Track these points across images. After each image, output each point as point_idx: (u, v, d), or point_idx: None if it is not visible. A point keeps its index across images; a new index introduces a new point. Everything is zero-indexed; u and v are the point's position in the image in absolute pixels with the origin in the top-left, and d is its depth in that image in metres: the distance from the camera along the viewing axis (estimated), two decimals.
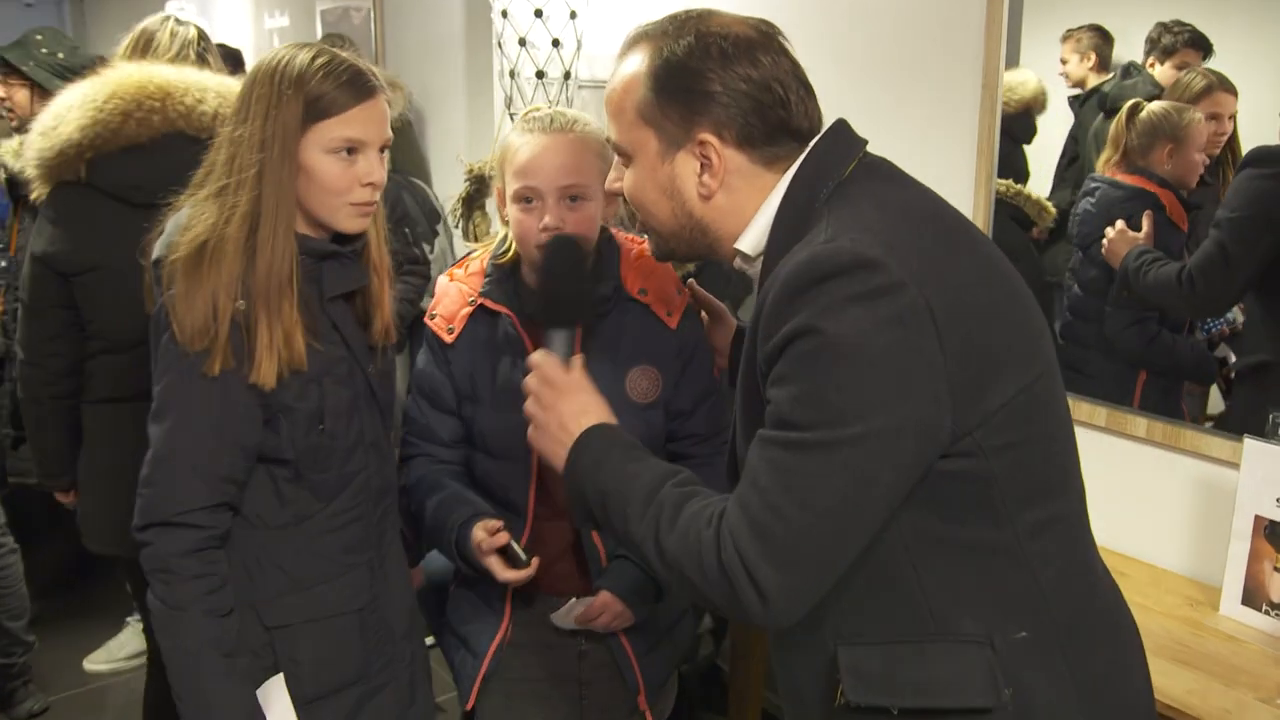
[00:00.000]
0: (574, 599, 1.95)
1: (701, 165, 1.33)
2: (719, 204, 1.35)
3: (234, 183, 1.68)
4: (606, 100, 1.41)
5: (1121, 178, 2.33)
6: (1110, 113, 2.35)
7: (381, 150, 1.76)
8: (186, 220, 1.71)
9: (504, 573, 1.87)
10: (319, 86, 1.67)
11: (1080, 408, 2.35)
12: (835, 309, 1.14)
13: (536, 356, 1.53)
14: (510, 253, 1.99)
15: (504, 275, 1.99)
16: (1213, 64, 2.14)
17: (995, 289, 1.25)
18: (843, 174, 1.29)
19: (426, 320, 2.06)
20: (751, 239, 1.35)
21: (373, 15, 5.36)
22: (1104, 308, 2.36)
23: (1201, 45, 2.14)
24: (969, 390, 1.16)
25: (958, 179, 2.55)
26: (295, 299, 1.68)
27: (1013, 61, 2.48)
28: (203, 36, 2.70)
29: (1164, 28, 2.20)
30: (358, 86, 1.70)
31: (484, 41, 4.21)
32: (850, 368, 1.13)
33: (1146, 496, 2.30)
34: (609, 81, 1.41)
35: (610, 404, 1.73)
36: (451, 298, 2.04)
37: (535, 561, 1.86)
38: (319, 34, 6.14)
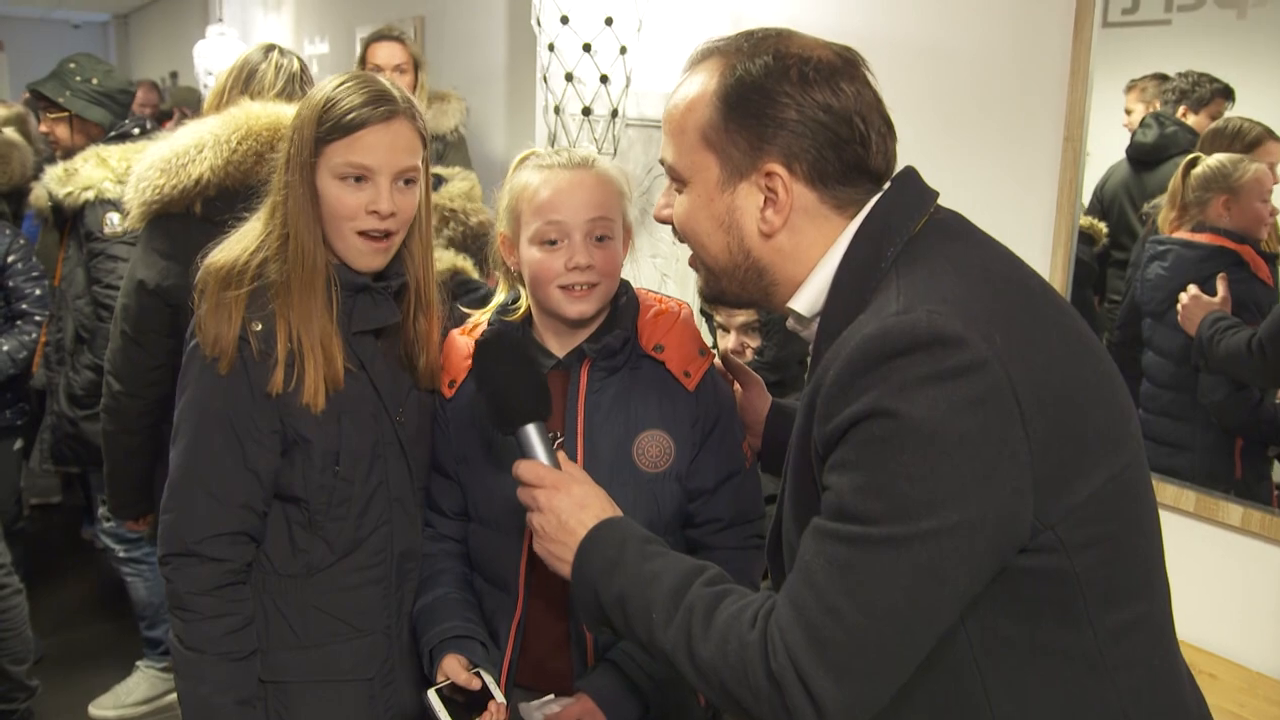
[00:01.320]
0: (551, 695, 1.72)
1: (766, 199, 1.23)
2: (780, 245, 1.25)
3: (272, 204, 1.69)
4: (666, 117, 1.30)
5: (1192, 237, 2.18)
6: (1140, 164, 2.28)
7: (403, 180, 1.68)
8: (231, 238, 1.71)
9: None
10: (334, 107, 1.63)
11: (1166, 490, 2.18)
12: (909, 389, 1.04)
13: (518, 468, 1.44)
14: (521, 310, 1.81)
15: (508, 325, 1.79)
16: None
17: (1083, 365, 1.14)
18: (912, 229, 1.19)
19: None
20: (807, 298, 1.26)
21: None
22: (1193, 375, 2.18)
23: (1228, 93, 2.12)
24: (1054, 481, 1.07)
25: (1034, 239, 2.34)
26: (335, 324, 1.67)
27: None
28: (304, 69, 2.65)
29: (1195, 79, 2.15)
30: (371, 108, 1.63)
31: (528, 75, 4.08)
32: (924, 455, 1.03)
33: (1240, 590, 2.11)
34: (671, 97, 1.30)
35: (616, 472, 1.59)
36: (457, 349, 1.84)
37: (499, 708, 1.64)
38: (358, 62, 6.04)
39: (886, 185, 1.24)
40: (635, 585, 1.25)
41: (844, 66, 1.22)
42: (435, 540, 1.86)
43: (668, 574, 1.24)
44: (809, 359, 1.21)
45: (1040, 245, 2.31)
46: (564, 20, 3.10)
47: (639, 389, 1.73)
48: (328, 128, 1.62)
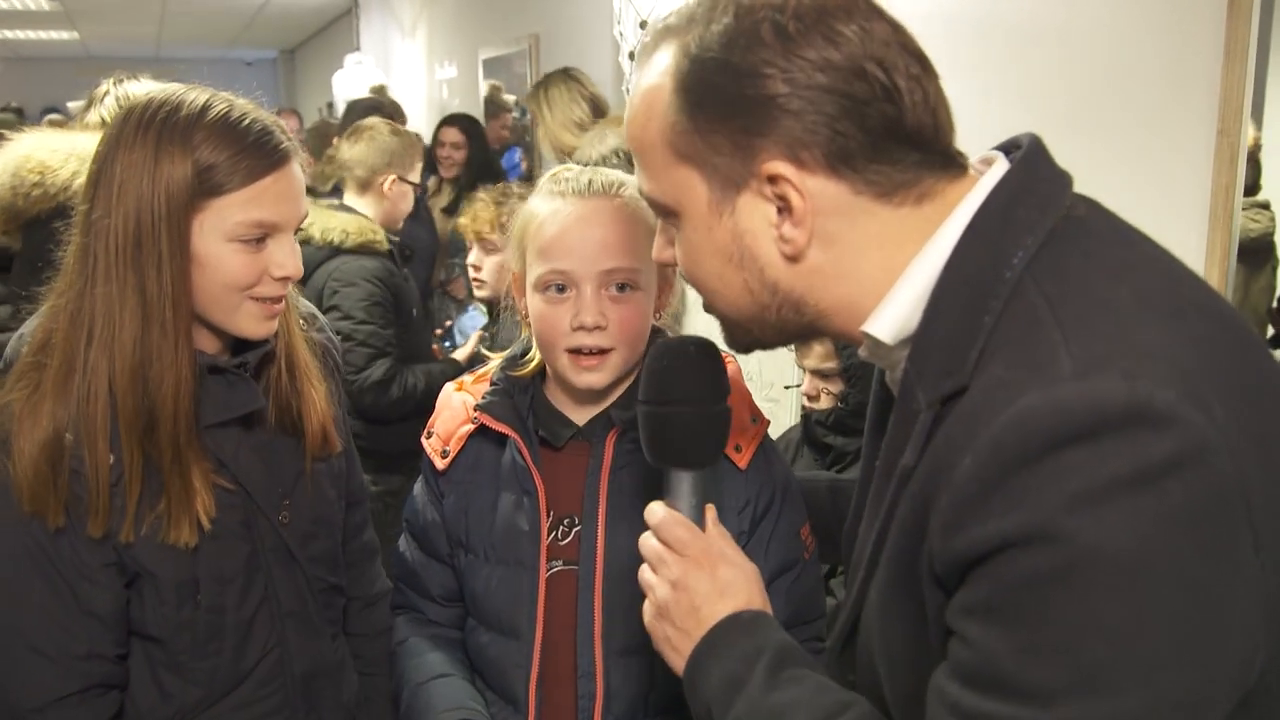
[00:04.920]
0: None
1: (778, 210, 0.93)
2: (815, 265, 0.94)
3: (91, 286, 1.30)
4: (628, 134, 1.03)
5: None
6: None
7: (296, 231, 1.36)
8: (33, 331, 1.37)
9: None
10: (213, 149, 1.27)
11: None
12: (1094, 499, 0.73)
13: (657, 512, 1.15)
14: (533, 363, 1.49)
15: (516, 386, 1.48)
16: None
17: None
18: (1046, 228, 0.87)
19: (422, 440, 1.57)
20: (891, 320, 0.93)
21: (529, 63, 5.17)
22: None
23: None
24: None
25: (1183, 253, 1.89)
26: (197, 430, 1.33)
27: (1255, 108, 1.86)
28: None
29: None
30: (267, 150, 1.30)
31: None
32: (1123, 599, 0.74)
33: None
34: (628, 105, 1.02)
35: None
36: (452, 411, 1.55)
37: None
38: (481, 83, 5.98)
39: (1016, 161, 0.91)
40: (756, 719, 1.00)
41: (836, 1, 0.91)
42: (422, 625, 1.57)
43: (797, 714, 0.98)
44: (898, 398, 0.91)
45: (1192, 262, 1.89)
46: (642, 25, 2.84)
47: None
48: (213, 183, 1.28)
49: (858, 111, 0.89)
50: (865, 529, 0.98)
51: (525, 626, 1.42)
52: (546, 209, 1.41)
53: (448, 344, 3.60)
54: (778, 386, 2.88)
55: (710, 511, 1.18)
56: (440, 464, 1.51)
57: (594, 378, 1.40)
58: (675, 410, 1.18)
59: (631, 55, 2.96)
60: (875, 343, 0.96)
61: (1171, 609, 0.74)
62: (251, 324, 1.37)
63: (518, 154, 6.24)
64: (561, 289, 1.39)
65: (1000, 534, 0.77)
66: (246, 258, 1.32)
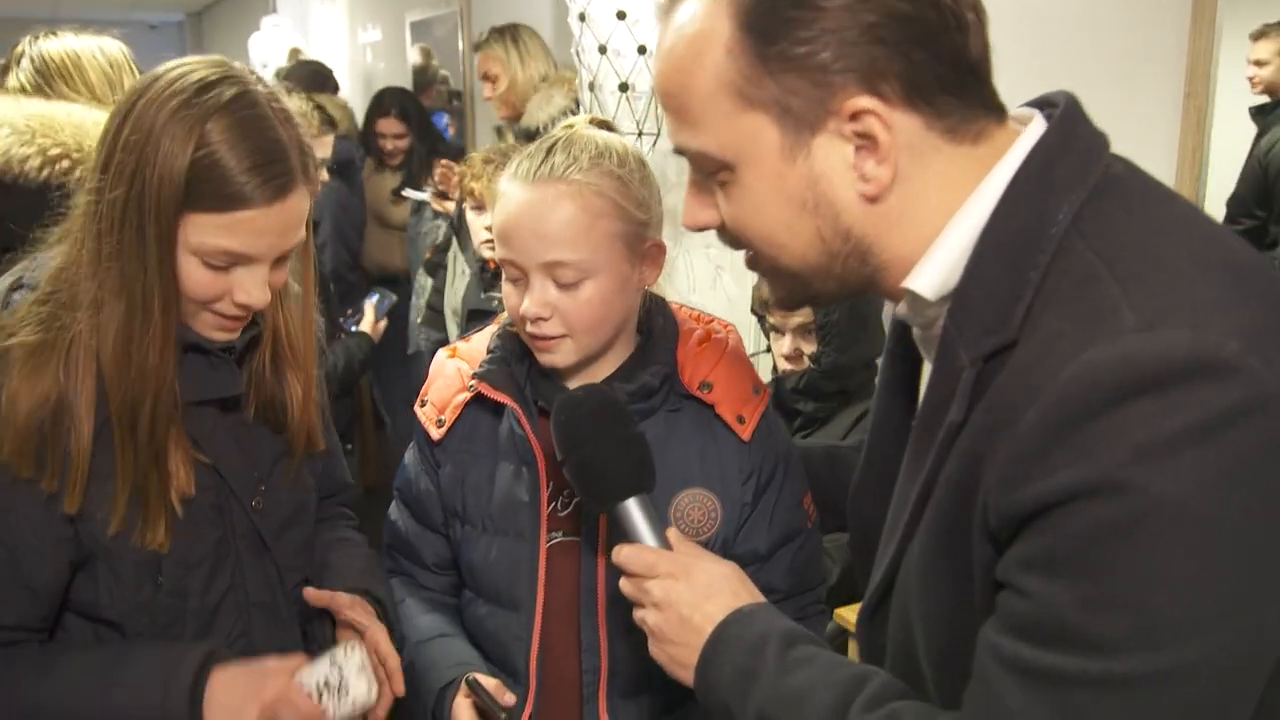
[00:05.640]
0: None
1: (858, 148, 0.89)
2: (890, 208, 0.91)
3: (87, 258, 1.23)
4: (665, 87, 0.95)
5: None
6: None
7: (279, 261, 1.28)
8: (41, 291, 1.26)
9: None
10: (211, 163, 1.17)
11: None
12: (1160, 450, 0.73)
13: (618, 554, 1.18)
14: None
15: (513, 353, 1.44)
16: None
17: None
18: (1088, 185, 0.86)
19: (415, 409, 1.52)
20: (933, 275, 0.91)
21: (460, 27, 5.06)
22: None
23: None
24: None
25: None
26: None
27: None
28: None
29: None
30: (263, 181, 1.19)
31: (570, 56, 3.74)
32: (1189, 550, 0.74)
33: None
34: (658, 54, 0.96)
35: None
36: (446, 379, 1.50)
37: None
38: (409, 47, 5.85)
39: (1039, 120, 0.90)
40: (777, 706, 0.99)
41: None
42: (417, 589, 1.55)
43: (818, 692, 0.97)
44: (937, 356, 0.90)
45: None
46: None
47: (678, 438, 1.41)
48: (200, 192, 1.17)
49: (933, 40, 0.86)
50: (901, 489, 0.97)
51: (525, 599, 1.40)
52: (502, 191, 1.37)
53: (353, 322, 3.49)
54: None
55: (671, 531, 1.20)
56: (436, 433, 1.47)
57: (553, 358, 1.38)
58: (590, 452, 1.22)
59: (582, 16, 2.89)
60: (915, 299, 0.94)
61: (1236, 561, 0.74)
62: (206, 330, 1.29)
63: (445, 119, 6.13)
64: (514, 278, 1.37)
65: (1065, 486, 0.76)
66: (209, 277, 1.23)
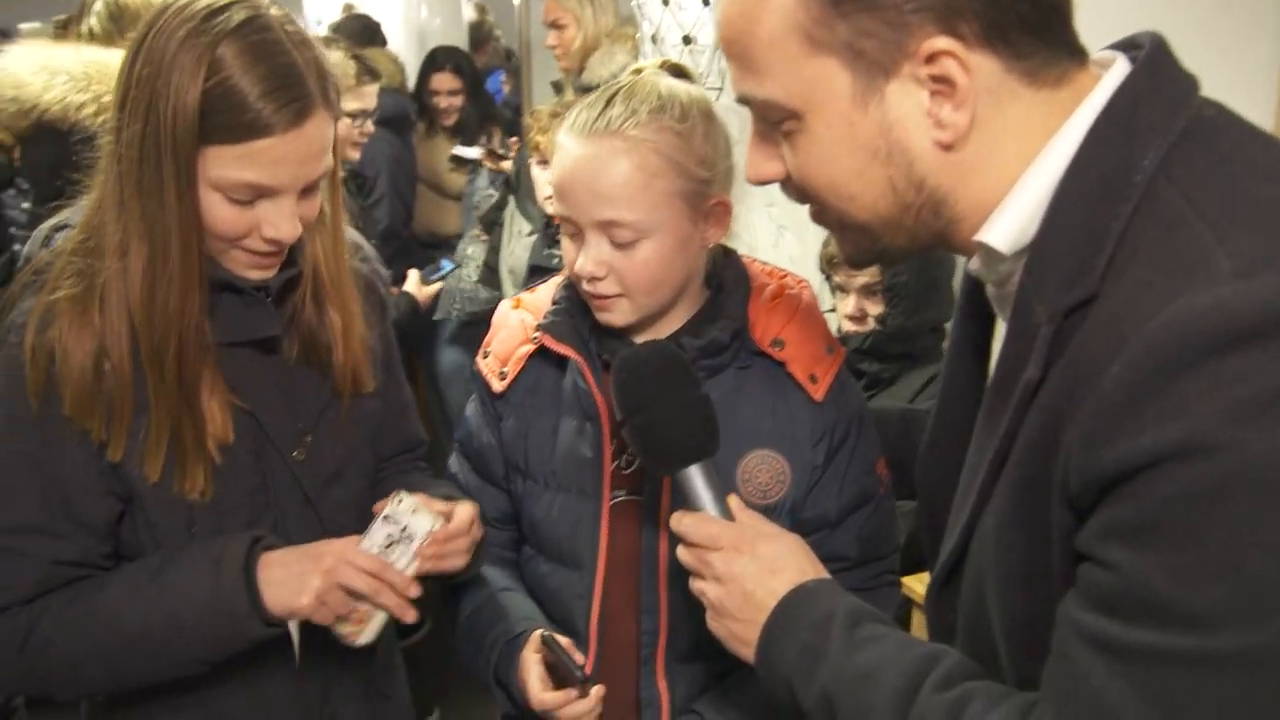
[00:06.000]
0: None
1: (933, 93, 0.84)
2: (966, 156, 0.86)
3: (110, 203, 1.19)
4: (728, 33, 0.91)
5: None
6: None
7: (307, 191, 1.23)
8: (73, 235, 1.24)
9: (542, 694, 1.31)
10: (224, 92, 1.12)
11: None
12: (1262, 407, 0.68)
13: (679, 523, 1.14)
14: None
15: (578, 306, 1.40)
16: None
17: None
18: (1176, 129, 0.81)
19: (478, 360, 1.49)
20: (1007, 227, 0.87)
21: None
22: None
23: None
24: None
25: None
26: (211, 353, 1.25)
27: None
28: None
29: None
30: (279, 106, 1.14)
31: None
32: None
33: None
34: (719, 2, 0.92)
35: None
36: (510, 330, 1.46)
37: (598, 691, 1.30)
38: (464, 2, 5.77)
39: (1122, 62, 0.85)
40: (844, 685, 0.95)
41: None
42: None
43: (887, 672, 0.93)
44: (1013, 313, 0.85)
45: None
46: None
47: (747, 396, 1.36)
48: (215, 124, 1.12)
49: None
50: (975, 454, 0.92)
51: (587, 557, 1.36)
52: (560, 144, 1.33)
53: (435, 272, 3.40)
54: None
55: (733, 499, 1.16)
56: (498, 385, 1.43)
57: (609, 316, 1.34)
58: (653, 414, 1.16)
59: None
60: (989, 254, 0.89)
61: None
62: (240, 269, 1.25)
63: (501, 77, 6.08)
64: (571, 233, 1.33)
65: (1154, 446, 0.71)
66: (233, 212, 1.18)
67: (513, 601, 1.42)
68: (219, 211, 1.18)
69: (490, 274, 3.46)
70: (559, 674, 1.31)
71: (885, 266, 1.96)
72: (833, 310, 2.24)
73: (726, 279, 1.39)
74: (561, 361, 1.39)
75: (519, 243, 3.53)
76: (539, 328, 1.39)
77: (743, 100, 0.93)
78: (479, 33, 5.72)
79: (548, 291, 1.46)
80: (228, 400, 1.26)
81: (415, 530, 1.27)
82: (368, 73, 3.06)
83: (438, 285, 3.20)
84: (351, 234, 1.46)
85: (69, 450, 1.22)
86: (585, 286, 1.32)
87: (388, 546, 1.26)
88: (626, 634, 1.38)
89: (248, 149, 1.14)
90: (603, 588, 1.36)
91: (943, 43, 0.81)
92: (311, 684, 1.41)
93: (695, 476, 1.15)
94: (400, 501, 1.28)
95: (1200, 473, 0.69)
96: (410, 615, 1.26)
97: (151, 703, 1.34)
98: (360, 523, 1.39)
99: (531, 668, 1.32)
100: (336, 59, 2.95)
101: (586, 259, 1.29)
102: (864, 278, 2.03)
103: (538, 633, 1.34)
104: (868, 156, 0.88)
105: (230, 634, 1.23)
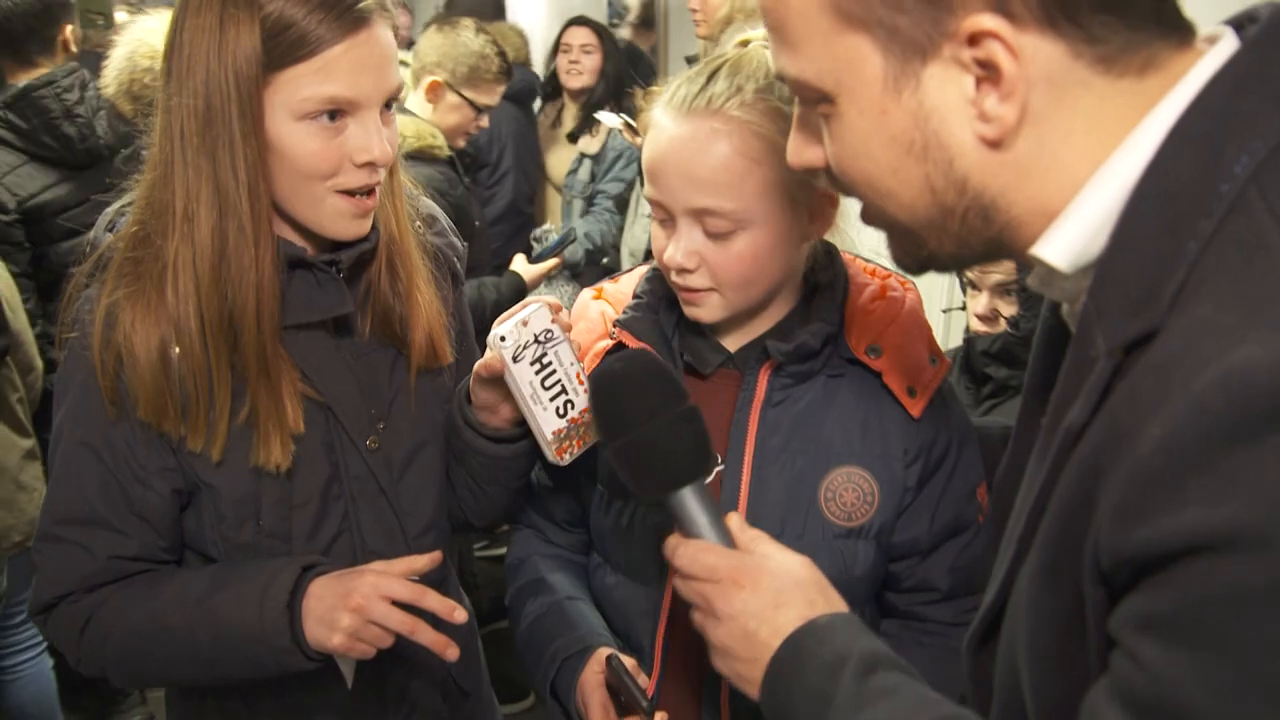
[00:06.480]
0: None
1: (978, 80, 0.73)
2: (1020, 155, 0.75)
3: (169, 175, 1.15)
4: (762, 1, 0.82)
5: None
6: None
7: (387, 106, 1.17)
8: (125, 225, 1.21)
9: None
10: (279, 17, 1.08)
11: None
12: None
13: (673, 552, 1.02)
14: None
15: (662, 300, 1.31)
16: None
17: None
18: (1277, 129, 0.67)
19: None
20: (1069, 240, 0.75)
21: None
22: None
23: None
24: None
25: None
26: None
27: None
28: None
29: None
30: (339, 9, 1.10)
31: None
32: None
33: None
34: None
35: (790, 522, 1.21)
36: (589, 323, 1.38)
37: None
38: None
39: (1229, 39, 0.72)
40: None
41: None
42: (545, 543, 1.44)
43: None
44: (1074, 341, 0.74)
45: None
46: None
47: (837, 407, 1.25)
48: (280, 48, 1.09)
49: None
50: (1022, 497, 0.81)
51: (655, 573, 1.28)
52: (655, 120, 1.22)
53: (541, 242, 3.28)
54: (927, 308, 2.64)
55: (732, 519, 1.04)
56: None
57: (697, 312, 1.24)
58: (637, 435, 1.04)
59: None
60: (1048, 269, 0.77)
61: None
62: (339, 222, 1.19)
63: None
64: (662, 220, 1.23)
65: (1198, 530, 0.59)
66: (322, 141, 1.14)
67: (578, 612, 1.34)
68: (306, 144, 1.13)
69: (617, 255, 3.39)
70: (622, 698, 1.23)
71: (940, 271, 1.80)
72: (962, 308, 2.09)
73: (822, 278, 1.29)
74: None
75: (641, 224, 3.44)
76: (617, 322, 1.31)
77: (779, 77, 0.84)
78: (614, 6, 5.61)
79: (630, 282, 1.37)
80: (298, 389, 1.22)
81: (541, 325, 1.19)
82: (504, 73, 3.01)
83: (551, 263, 3.10)
84: (427, 205, 1.41)
85: (138, 449, 1.20)
86: (674, 278, 1.23)
87: (540, 371, 1.19)
88: (693, 652, 1.28)
89: (320, 61, 1.10)
90: (670, 606, 1.28)
91: (988, 22, 0.69)
92: (391, 679, 1.37)
93: (689, 500, 1.03)
94: (514, 317, 1.20)
95: (1252, 571, 0.58)
96: (453, 653, 1.19)
97: (228, 694, 1.33)
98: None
99: (594, 692, 1.24)
100: (482, 49, 2.92)
101: (677, 248, 1.20)
102: (998, 274, 1.87)
103: (602, 652, 1.26)
104: (901, 150, 0.77)
105: (274, 664, 1.20)
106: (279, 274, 1.17)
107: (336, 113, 1.14)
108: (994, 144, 0.74)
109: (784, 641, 0.93)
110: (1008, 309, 1.90)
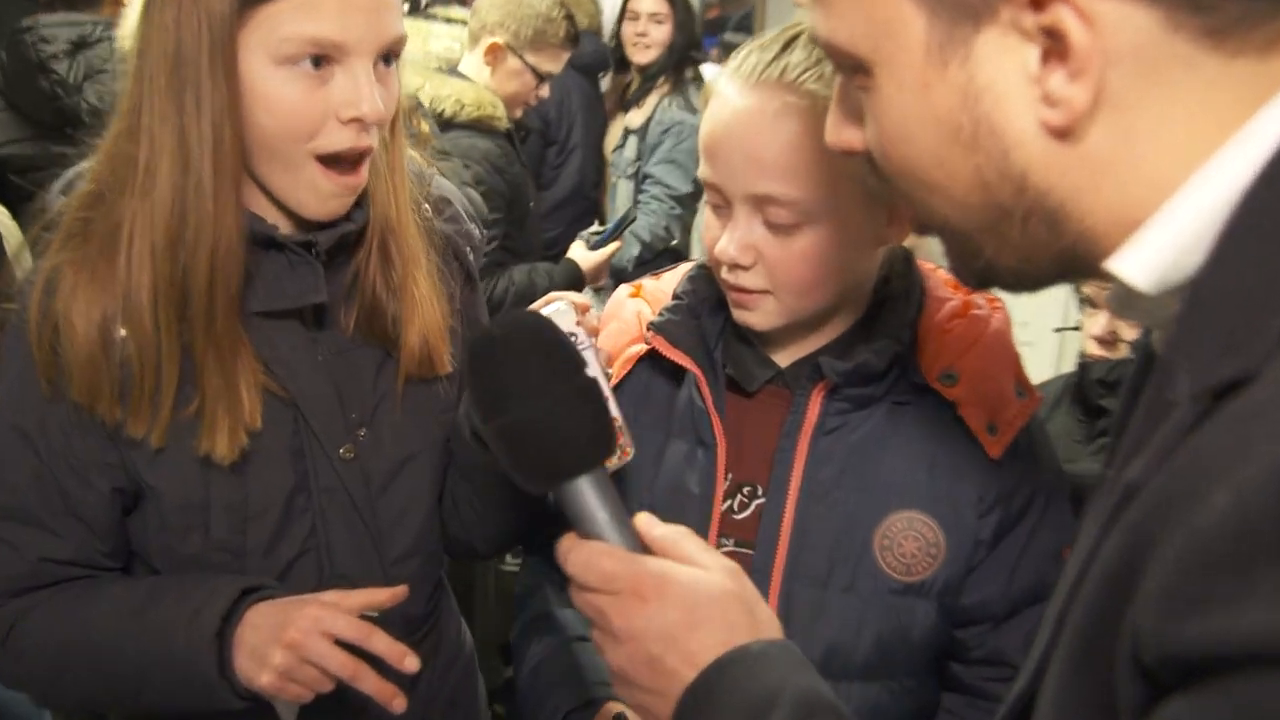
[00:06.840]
0: None
1: (1044, 54, 0.60)
2: (1095, 148, 0.61)
3: (136, 125, 1.00)
4: None
5: None
6: None
7: (385, 61, 1.01)
8: (82, 186, 1.06)
9: None
10: None
11: None
12: None
13: (566, 557, 0.81)
14: None
15: (705, 302, 1.15)
16: None
17: None
18: None
19: None
20: (1154, 253, 0.61)
21: None
22: None
23: None
24: None
25: None
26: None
27: None
28: None
29: None
30: None
31: None
32: None
33: None
34: None
35: (838, 571, 1.06)
36: (623, 323, 1.22)
37: None
38: None
39: None
40: None
41: None
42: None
43: None
44: (1154, 374, 0.60)
45: None
46: None
47: (901, 441, 1.08)
48: None
49: None
50: (1071, 562, 0.66)
51: None
52: (718, 90, 1.06)
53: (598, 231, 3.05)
54: (1035, 326, 2.42)
55: (642, 519, 0.84)
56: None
57: (748, 316, 1.07)
58: (516, 416, 0.82)
59: None
60: (1126, 289, 0.63)
61: None
62: (311, 196, 1.03)
63: (714, 42, 5.80)
64: (718, 205, 1.06)
65: (1262, 633, 0.47)
66: (303, 90, 0.98)
67: (586, 656, 1.18)
68: (284, 93, 0.97)
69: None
70: None
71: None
72: (1077, 328, 1.89)
73: (895, 289, 1.11)
74: (678, 370, 1.14)
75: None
76: (650, 325, 1.14)
77: (813, 39, 0.73)
78: None
79: (674, 279, 1.21)
80: (258, 380, 1.06)
81: (563, 328, 0.96)
82: (572, 38, 2.82)
83: (612, 248, 2.87)
84: (442, 185, 1.24)
85: (74, 438, 1.06)
86: (724, 275, 1.06)
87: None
88: None
89: None
90: None
91: None
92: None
93: (585, 492, 0.83)
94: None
95: None
96: (399, 704, 1.03)
97: None
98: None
99: None
100: (549, 11, 2.73)
101: (730, 240, 1.04)
102: None
103: (610, 708, 1.10)
104: (947, 136, 0.64)
105: (203, 699, 1.05)
106: (243, 247, 1.02)
107: (321, 59, 0.97)
108: (1061, 133, 0.61)
109: (700, 673, 0.75)
110: (1130, 332, 1.70)
